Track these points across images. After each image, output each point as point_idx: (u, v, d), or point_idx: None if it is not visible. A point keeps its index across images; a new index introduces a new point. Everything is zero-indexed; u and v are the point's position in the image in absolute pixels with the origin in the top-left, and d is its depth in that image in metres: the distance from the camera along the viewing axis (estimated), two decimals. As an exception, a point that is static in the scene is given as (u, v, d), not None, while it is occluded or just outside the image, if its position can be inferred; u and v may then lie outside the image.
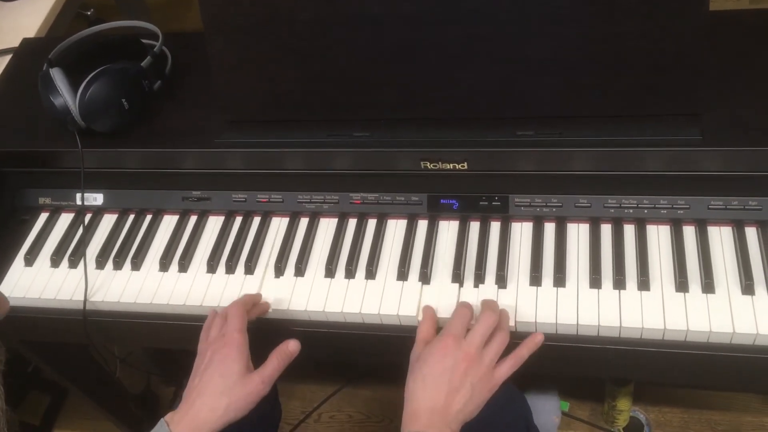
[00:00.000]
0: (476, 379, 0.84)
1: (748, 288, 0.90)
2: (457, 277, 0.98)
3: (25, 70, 1.23)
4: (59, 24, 1.52)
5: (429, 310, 0.94)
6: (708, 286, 0.91)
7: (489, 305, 0.91)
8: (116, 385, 1.67)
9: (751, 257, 0.92)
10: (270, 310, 1.00)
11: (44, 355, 1.38)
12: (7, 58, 1.30)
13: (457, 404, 0.83)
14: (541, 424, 1.17)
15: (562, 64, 0.93)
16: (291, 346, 0.91)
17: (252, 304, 0.97)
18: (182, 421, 0.85)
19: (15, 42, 1.31)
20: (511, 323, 0.92)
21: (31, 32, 1.43)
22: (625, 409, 1.53)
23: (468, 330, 0.88)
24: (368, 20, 0.95)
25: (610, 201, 0.98)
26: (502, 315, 0.90)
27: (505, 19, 0.92)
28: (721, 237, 0.96)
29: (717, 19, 0.93)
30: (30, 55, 1.27)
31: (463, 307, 0.91)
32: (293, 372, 0.95)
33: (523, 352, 0.88)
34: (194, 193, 1.11)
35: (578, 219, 1.00)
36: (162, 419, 0.85)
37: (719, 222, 0.97)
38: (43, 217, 1.16)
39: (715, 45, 0.94)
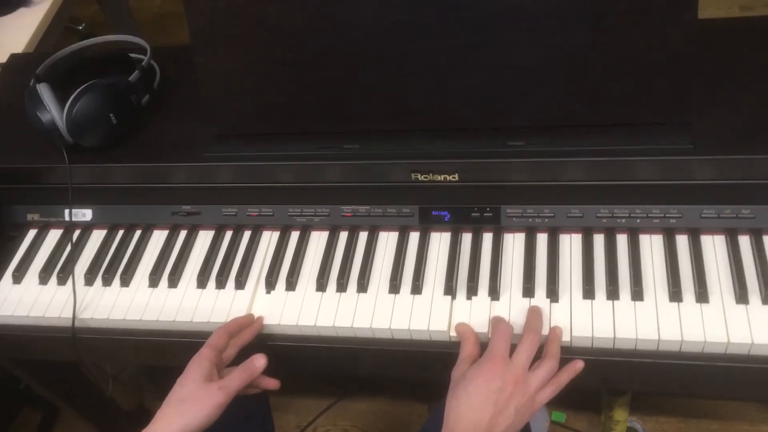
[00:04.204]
0: (521, 403, 0.83)
1: (742, 297, 0.89)
2: (450, 289, 0.97)
3: (13, 85, 1.22)
4: (48, 39, 1.52)
5: (468, 329, 0.92)
6: (702, 296, 0.90)
7: (533, 327, 0.89)
8: (109, 402, 1.65)
9: (744, 266, 0.92)
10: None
11: (35, 373, 1.36)
12: (-5, 73, 1.29)
13: (499, 427, 0.81)
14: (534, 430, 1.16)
15: (552, 74, 0.93)
16: (257, 362, 0.91)
17: (238, 327, 0.96)
18: None
19: (2, 58, 1.31)
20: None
21: (19, 48, 1.42)
22: (621, 419, 1.52)
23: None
24: (357, 31, 0.94)
25: (602, 211, 0.98)
26: (552, 339, 0.89)
27: (494, 29, 0.91)
28: (714, 246, 0.95)
29: (707, 28, 0.93)
30: (18, 70, 1.26)
31: (503, 324, 0.89)
32: (287, 386, 0.95)
33: (564, 378, 0.87)
34: (184, 207, 1.10)
35: (571, 229, 1.00)
36: None
37: (712, 231, 0.96)
38: (32, 233, 1.15)
39: (705, 53, 0.94)
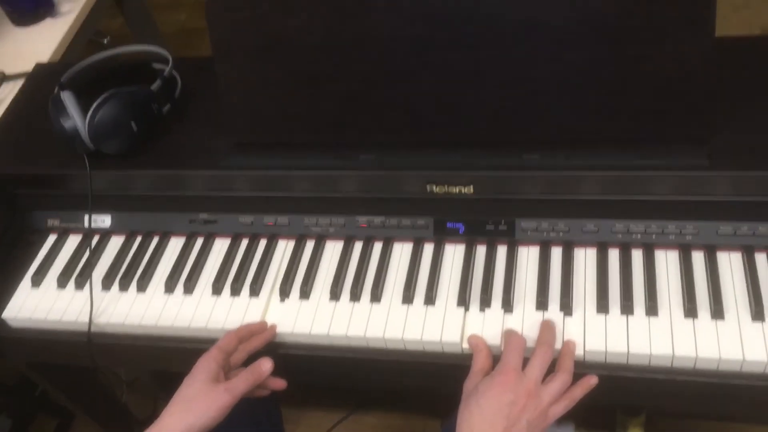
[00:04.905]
0: (533, 416, 0.82)
1: (758, 314, 0.88)
2: (463, 301, 0.97)
3: (38, 93, 1.24)
4: (73, 50, 1.55)
5: (481, 341, 0.92)
6: (717, 312, 0.89)
7: (545, 340, 0.89)
8: (123, 410, 1.66)
9: (761, 283, 0.91)
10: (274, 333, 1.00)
11: (51, 378, 1.38)
12: (21, 82, 1.31)
13: None
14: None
15: (568, 88, 0.93)
16: (263, 366, 0.92)
17: (249, 333, 0.97)
18: None
19: (28, 66, 1.33)
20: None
21: (44, 57, 1.45)
22: (636, 439, 1.50)
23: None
24: (374, 43, 0.95)
25: (617, 226, 0.98)
26: (566, 353, 0.89)
27: (512, 43, 0.92)
28: (730, 263, 0.94)
29: (725, 45, 0.93)
30: (43, 79, 1.29)
31: (516, 336, 0.89)
32: (300, 399, 0.96)
33: (577, 393, 0.87)
34: (201, 215, 1.11)
35: (585, 244, 1.00)
36: None
37: (728, 248, 0.95)
38: (51, 238, 1.17)
39: (723, 70, 0.94)
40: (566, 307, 0.94)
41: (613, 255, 0.98)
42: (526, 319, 0.94)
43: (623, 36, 0.90)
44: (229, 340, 0.93)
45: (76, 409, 1.54)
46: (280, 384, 0.96)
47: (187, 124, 1.14)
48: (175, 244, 1.12)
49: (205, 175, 1.07)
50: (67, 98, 1.06)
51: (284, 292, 1.03)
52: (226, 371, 0.91)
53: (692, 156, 0.91)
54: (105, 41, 2.73)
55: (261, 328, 0.99)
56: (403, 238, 1.05)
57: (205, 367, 0.89)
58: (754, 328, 0.88)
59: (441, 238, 1.04)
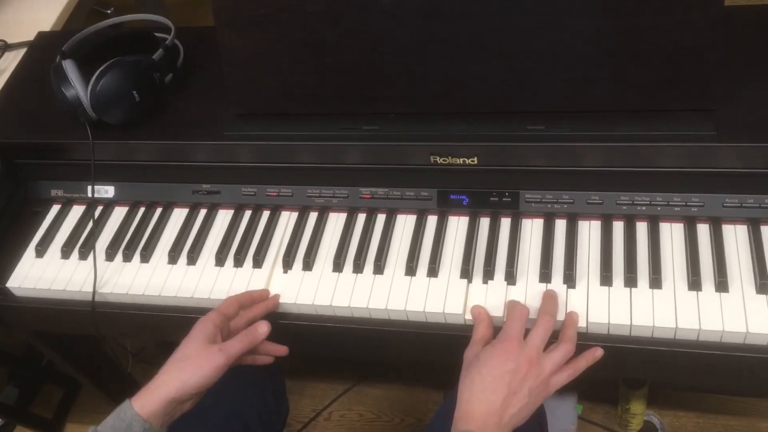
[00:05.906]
0: (534, 385, 0.82)
1: (762, 287, 0.88)
2: (466, 273, 0.97)
3: (40, 62, 1.24)
4: (75, 18, 1.53)
5: (483, 311, 0.92)
6: (721, 285, 0.89)
7: (547, 309, 0.89)
8: (128, 380, 1.68)
9: (766, 256, 0.90)
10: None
11: (57, 348, 1.39)
12: (23, 51, 1.31)
13: (512, 408, 0.81)
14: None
15: (574, 58, 0.92)
16: (260, 328, 0.92)
17: (250, 299, 0.97)
18: (141, 391, 0.85)
19: (30, 35, 1.32)
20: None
21: (47, 26, 1.43)
22: (638, 412, 1.51)
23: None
24: (379, 13, 0.94)
25: (622, 198, 0.97)
26: (569, 324, 0.89)
27: (517, 12, 0.91)
28: (735, 235, 0.94)
29: (734, 14, 0.91)
30: (45, 48, 1.28)
31: (519, 306, 0.89)
32: (304, 370, 0.96)
33: (581, 364, 0.86)
34: (204, 186, 1.11)
35: (590, 216, 0.99)
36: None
37: (734, 220, 0.95)
38: (55, 208, 1.17)
39: (731, 40, 0.92)
40: (569, 279, 0.93)
41: (618, 227, 0.98)
42: (529, 291, 0.94)
43: (630, 4, 0.88)
44: (228, 304, 0.94)
45: (83, 380, 1.55)
46: (282, 350, 0.97)
47: (190, 94, 1.13)
48: (179, 215, 1.12)
49: (209, 145, 1.06)
50: (69, 67, 1.05)
51: (287, 264, 1.03)
52: (225, 336, 0.91)
53: (700, 127, 0.90)
54: (109, 11, 2.71)
55: (263, 295, 0.99)
56: (406, 210, 1.05)
57: (202, 328, 0.89)
58: (759, 301, 0.88)
59: (445, 209, 1.03)
